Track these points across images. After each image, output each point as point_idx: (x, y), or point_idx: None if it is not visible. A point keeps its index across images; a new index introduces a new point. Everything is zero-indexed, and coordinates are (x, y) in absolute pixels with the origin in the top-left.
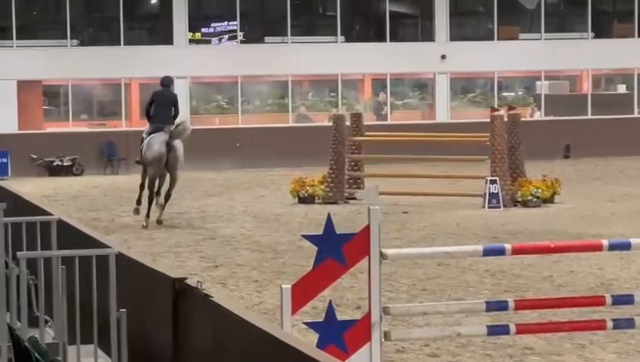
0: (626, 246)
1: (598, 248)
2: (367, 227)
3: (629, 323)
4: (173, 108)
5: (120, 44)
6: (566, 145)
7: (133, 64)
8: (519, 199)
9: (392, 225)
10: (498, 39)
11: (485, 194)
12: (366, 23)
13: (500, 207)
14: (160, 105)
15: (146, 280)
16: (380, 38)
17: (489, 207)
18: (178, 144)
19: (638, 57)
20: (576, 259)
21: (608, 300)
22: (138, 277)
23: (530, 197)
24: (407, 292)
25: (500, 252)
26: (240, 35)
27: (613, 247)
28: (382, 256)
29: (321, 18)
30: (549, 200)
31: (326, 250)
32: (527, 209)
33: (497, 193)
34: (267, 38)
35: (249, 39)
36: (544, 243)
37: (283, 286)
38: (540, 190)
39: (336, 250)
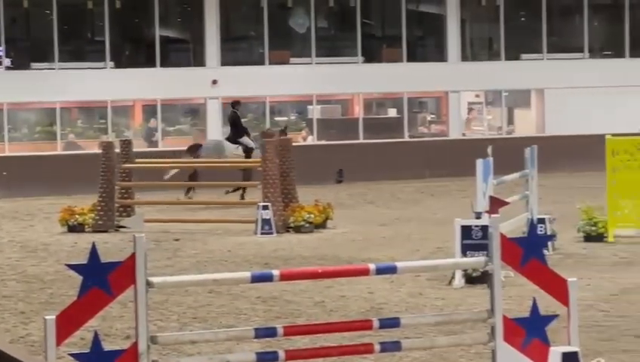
0: (392, 270)
1: (365, 273)
2: (133, 255)
3: (396, 346)
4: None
5: None
6: (339, 170)
7: None
8: (292, 225)
9: (164, 253)
10: (269, 63)
11: (257, 220)
12: (136, 48)
13: (272, 233)
14: None
15: None
16: (150, 63)
17: (262, 233)
18: None
19: (407, 81)
20: (347, 284)
21: (376, 324)
22: None
23: (302, 223)
24: (178, 321)
25: (268, 278)
26: (6, 60)
27: (380, 271)
28: (148, 284)
29: (89, 43)
30: (321, 226)
31: (91, 280)
32: (300, 234)
33: (269, 219)
34: (34, 64)
35: (15, 65)
36: (312, 268)
37: (46, 317)
38: (312, 215)
39: (102, 279)
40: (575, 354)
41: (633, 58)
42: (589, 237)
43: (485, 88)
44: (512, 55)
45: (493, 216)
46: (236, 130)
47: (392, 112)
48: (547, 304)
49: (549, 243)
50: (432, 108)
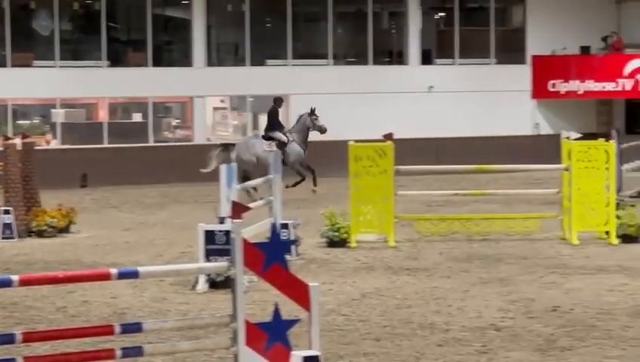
0: (134, 275)
1: (106, 277)
2: None
3: (137, 352)
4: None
5: None
6: (83, 174)
7: None
8: (34, 229)
9: None
10: (12, 66)
11: None
12: None
13: (14, 238)
14: None
15: None
16: None
17: (3, 238)
18: None
19: (153, 86)
20: (90, 289)
21: (117, 329)
22: None
23: (45, 227)
24: None
25: (7, 284)
26: None
27: (122, 276)
28: None
29: None
30: (64, 230)
31: None
32: (43, 239)
33: (11, 223)
34: None
35: None
36: (53, 273)
37: None
38: (55, 219)
39: None
40: (316, 357)
41: (376, 65)
42: (332, 243)
43: (231, 93)
44: (258, 61)
45: (235, 221)
46: (270, 126)
47: (137, 117)
48: (291, 309)
49: (293, 248)
50: (177, 113)
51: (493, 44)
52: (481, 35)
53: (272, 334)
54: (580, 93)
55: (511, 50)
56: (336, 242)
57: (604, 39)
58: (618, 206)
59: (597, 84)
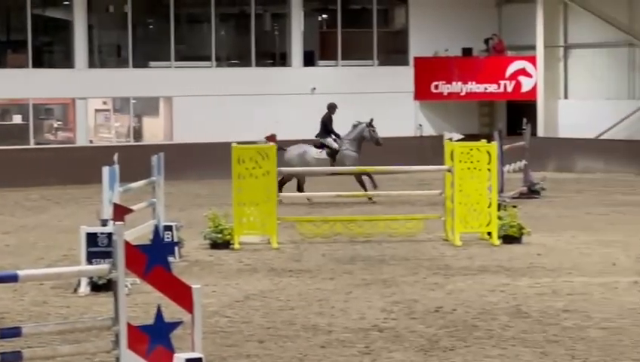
0: (14, 278)
1: None
2: None
3: (16, 356)
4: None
5: None
6: None
7: None
8: None
9: None
10: None
11: None
12: None
13: None
14: None
15: None
16: None
17: None
18: None
19: (33, 88)
20: None
21: None
22: None
23: None
24: None
25: None
26: None
27: (1, 280)
28: None
29: None
30: None
31: None
32: None
33: None
34: None
35: None
36: None
37: None
38: None
39: None
40: (199, 359)
41: (259, 67)
42: (215, 244)
43: (113, 95)
44: (141, 63)
45: (117, 223)
46: (323, 132)
47: (17, 119)
48: (174, 311)
49: (176, 251)
50: (58, 115)
51: (376, 46)
52: (364, 36)
53: (154, 336)
54: (462, 94)
55: (393, 51)
56: (220, 244)
57: (487, 41)
58: (500, 207)
59: (479, 85)
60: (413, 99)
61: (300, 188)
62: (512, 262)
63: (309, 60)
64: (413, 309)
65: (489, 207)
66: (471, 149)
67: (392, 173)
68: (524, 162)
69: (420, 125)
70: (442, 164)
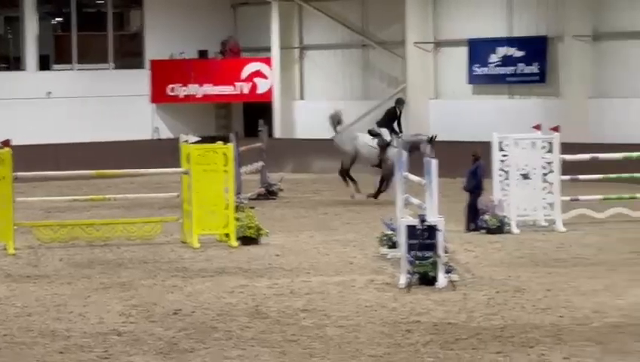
0: None
1: None
2: None
3: None
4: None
5: None
6: None
7: None
8: None
9: None
10: None
11: None
12: None
13: None
14: None
15: None
16: None
17: None
18: None
19: None
20: None
21: None
22: None
23: None
24: None
25: None
26: None
27: None
28: None
29: None
30: None
31: None
32: None
33: None
34: None
35: None
36: None
37: None
38: None
39: None
40: None
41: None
42: None
43: None
44: None
45: None
46: (383, 123)
47: None
48: None
49: None
50: None
51: (112, 49)
52: (100, 39)
53: None
54: (198, 96)
55: (129, 54)
56: None
57: (223, 43)
58: (237, 208)
59: (215, 87)
60: (149, 102)
61: (343, 173)
62: (250, 263)
63: (44, 64)
64: (152, 312)
65: (226, 208)
66: (207, 151)
67: (129, 176)
68: (261, 163)
69: (157, 128)
70: (179, 166)
